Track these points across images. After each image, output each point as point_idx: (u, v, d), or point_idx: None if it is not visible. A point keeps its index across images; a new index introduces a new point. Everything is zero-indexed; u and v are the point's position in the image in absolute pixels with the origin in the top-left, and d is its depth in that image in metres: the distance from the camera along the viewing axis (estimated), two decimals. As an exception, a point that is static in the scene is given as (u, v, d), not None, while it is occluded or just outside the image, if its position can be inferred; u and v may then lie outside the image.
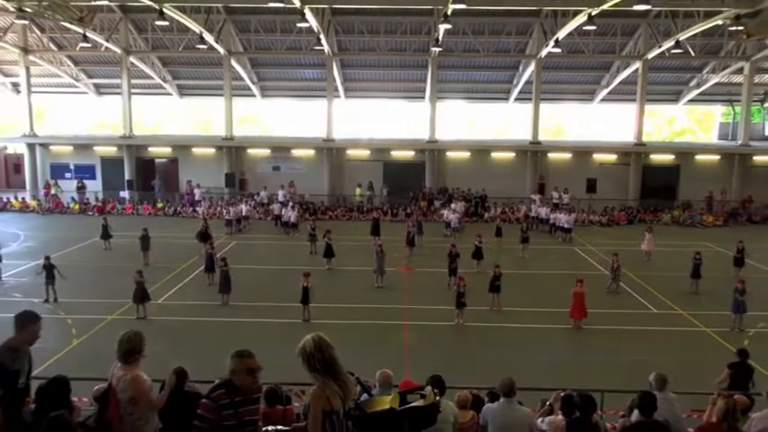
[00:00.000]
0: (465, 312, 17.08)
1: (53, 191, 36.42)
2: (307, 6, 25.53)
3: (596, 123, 56.51)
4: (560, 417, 7.40)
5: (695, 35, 31.57)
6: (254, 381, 4.77)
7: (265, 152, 37.74)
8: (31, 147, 37.73)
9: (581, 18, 26.52)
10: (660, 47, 32.99)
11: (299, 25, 28.90)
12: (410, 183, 36.31)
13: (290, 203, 32.25)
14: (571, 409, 7.08)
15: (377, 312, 17.78)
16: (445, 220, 30.28)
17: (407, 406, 5.54)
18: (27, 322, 6.05)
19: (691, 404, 9.08)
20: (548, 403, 8.31)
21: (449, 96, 42.25)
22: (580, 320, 16.84)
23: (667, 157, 37.38)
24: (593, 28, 27.17)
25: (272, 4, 21.86)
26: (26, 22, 33.37)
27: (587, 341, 16.16)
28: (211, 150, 37.66)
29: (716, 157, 36.98)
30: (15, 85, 41.66)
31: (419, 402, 5.68)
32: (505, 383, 6.94)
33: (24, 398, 5.83)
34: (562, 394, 7.91)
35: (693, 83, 40.60)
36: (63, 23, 31.81)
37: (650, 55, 34.28)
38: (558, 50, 31.69)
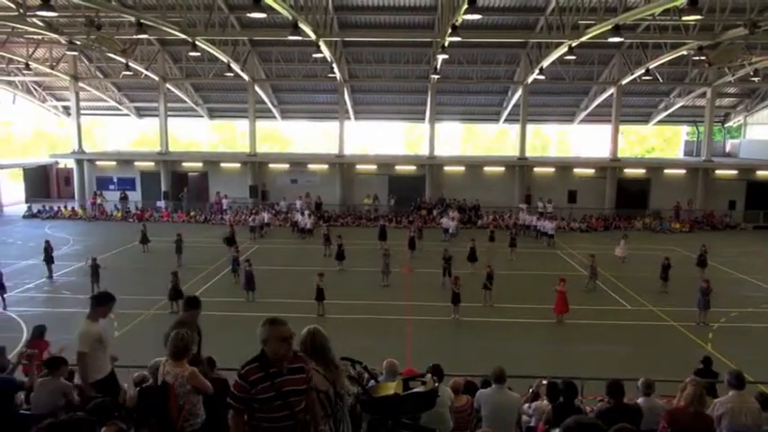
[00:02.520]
0: (460, 308, 17.03)
1: (98, 201, 36.56)
2: (321, 39, 25.63)
3: (576, 141, 56.59)
4: (546, 402, 7.36)
5: (663, 64, 31.53)
6: (289, 349, 4.13)
7: (284, 167, 37.79)
8: (79, 162, 37.90)
9: (562, 49, 26.53)
10: (632, 74, 32.98)
11: (314, 55, 28.99)
12: (412, 194, 36.30)
13: (306, 212, 32.25)
14: (555, 395, 7.03)
15: (382, 308, 17.74)
16: (443, 226, 30.23)
17: (410, 391, 5.52)
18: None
19: (661, 390, 9.00)
20: (531, 390, 8.27)
21: (446, 118, 42.29)
22: (563, 315, 16.76)
23: (639, 171, 37.24)
24: (573, 57, 27.18)
25: (290, 37, 21.91)
26: (76, 53, 33.64)
27: (569, 334, 16.08)
28: (237, 165, 37.73)
29: (682, 171, 36.84)
30: (66, 108, 41.93)
31: (420, 388, 5.65)
32: (496, 371, 6.91)
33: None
34: (544, 382, 7.87)
35: (662, 105, 40.52)
36: (108, 54, 32.05)
37: (624, 81, 34.26)
38: (543, 77, 31.70)
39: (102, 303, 6.31)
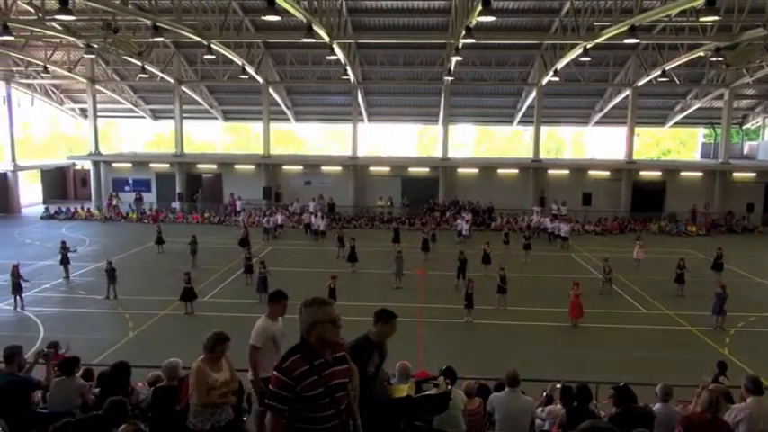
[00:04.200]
0: (473, 311, 16.96)
1: (114, 202, 36.97)
2: (335, 41, 25.72)
3: (591, 144, 56.23)
4: (559, 406, 7.30)
5: (680, 65, 31.25)
6: (338, 333, 3.65)
7: (298, 168, 37.94)
8: (95, 164, 38.37)
9: (577, 50, 26.37)
10: (648, 76, 32.69)
11: (328, 58, 29.09)
12: (425, 196, 36.26)
13: (320, 214, 32.34)
14: (569, 399, 6.98)
15: (395, 310, 17.63)
16: (457, 228, 30.16)
17: (422, 394, 5.50)
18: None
19: (677, 395, 8.90)
20: (544, 393, 8.21)
21: (460, 120, 42.26)
22: (577, 319, 16.63)
23: (655, 174, 36.88)
24: (588, 59, 26.97)
25: (304, 40, 22.00)
26: (93, 57, 34.02)
27: (583, 338, 15.94)
28: (251, 167, 37.95)
29: (699, 174, 36.40)
30: (83, 111, 42.46)
31: (433, 391, 5.64)
32: (510, 374, 6.87)
33: (372, 386, 5.15)
34: (558, 385, 7.80)
35: (678, 107, 40.09)
36: (125, 57, 32.40)
37: (639, 83, 33.97)
38: (557, 79, 31.56)
39: (275, 300, 6.33)
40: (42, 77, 37.15)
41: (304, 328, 3.54)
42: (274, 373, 3.48)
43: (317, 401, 3.45)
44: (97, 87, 38.23)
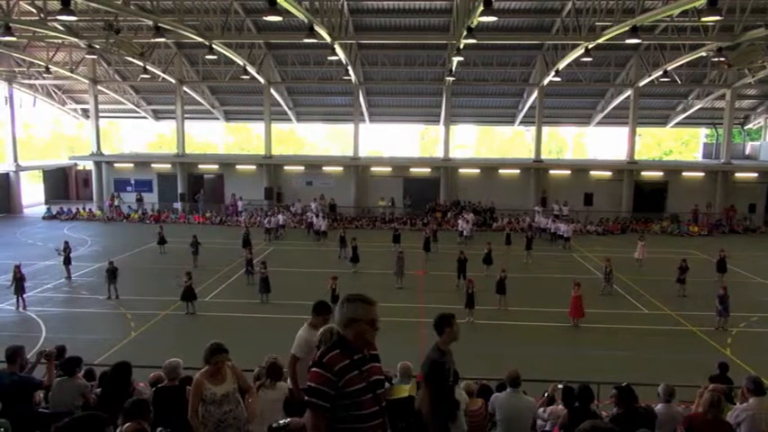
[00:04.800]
0: (475, 311, 16.95)
1: (116, 202, 37.02)
2: (336, 42, 25.73)
3: (593, 144, 56.26)
4: (561, 406, 7.30)
5: (681, 65, 31.22)
6: (375, 335, 3.49)
7: (299, 169, 37.96)
8: (97, 164, 38.40)
9: (579, 51, 26.36)
10: (650, 76, 32.66)
11: (329, 58, 29.10)
12: (426, 196, 36.23)
13: (321, 214, 32.33)
14: (571, 399, 6.97)
15: (396, 310, 17.71)
16: (458, 229, 30.15)
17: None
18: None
19: (679, 395, 8.89)
20: (546, 394, 8.20)
21: (461, 120, 42.26)
22: (578, 319, 16.62)
23: (657, 174, 36.83)
24: (590, 59, 26.94)
25: (306, 40, 22.02)
26: (95, 57, 34.14)
27: (585, 338, 15.92)
28: (253, 167, 37.97)
29: (701, 174, 36.34)
30: (85, 111, 42.53)
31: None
32: (512, 375, 6.87)
33: (452, 397, 4.97)
34: (560, 386, 7.79)
35: (680, 108, 40.04)
36: (127, 58, 32.44)
37: (641, 83, 33.94)
38: (558, 79, 31.53)
39: (319, 312, 6.09)
40: (44, 78, 37.19)
41: (342, 322, 3.40)
42: (314, 369, 3.31)
43: (360, 397, 3.31)
44: (99, 88, 38.28)
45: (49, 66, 33.19)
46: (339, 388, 3.25)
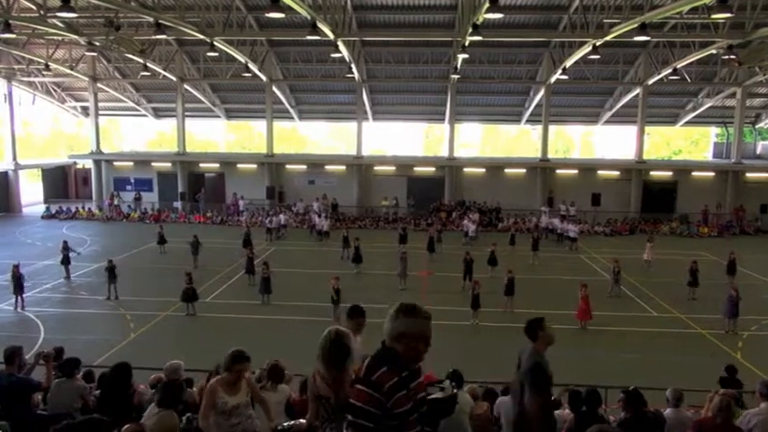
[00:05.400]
0: (480, 313, 16.93)
1: (115, 201, 37.10)
2: (339, 39, 25.73)
3: (600, 143, 56.14)
4: (568, 411, 7.27)
5: (691, 63, 31.11)
6: (425, 351, 3.26)
7: (302, 168, 37.97)
8: (97, 162, 38.49)
9: (586, 48, 26.29)
10: (659, 74, 32.55)
11: (332, 55, 29.12)
12: (431, 196, 36.20)
13: (323, 214, 32.34)
14: (578, 404, 6.95)
15: (400, 312, 17.70)
16: (463, 229, 30.12)
17: (429, 397, 5.46)
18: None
19: (688, 399, 8.86)
20: (553, 398, 8.16)
21: (466, 118, 42.21)
22: (585, 322, 16.58)
23: (666, 174, 36.71)
24: (598, 57, 26.91)
25: (309, 37, 22.04)
26: (95, 54, 34.22)
27: (592, 341, 15.89)
28: (254, 166, 38.00)
29: (711, 174, 36.20)
30: (85, 109, 42.63)
31: (439, 394, 5.60)
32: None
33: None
34: (567, 390, 7.77)
35: (689, 106, 39.89)
36: (127, 55, 32.54)
37: (650, 81, 33.82)
38: (566, 77, 31.48)
39: (353, 316, 5.81)
40: (44, 75, 37.30)
41: (393, 335, 3.15)
42: (360, 387, 3.10)
43: (407, 418, 3.12)
44: (99, 85, 38.37)
45: (49, 63, 33.31)
46: (387, 409, 3.04)
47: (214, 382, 5.34)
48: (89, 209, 36.96)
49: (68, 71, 35.67)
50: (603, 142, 55.42)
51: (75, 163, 43.65)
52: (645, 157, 36.93)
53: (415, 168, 37.47)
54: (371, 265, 23.19)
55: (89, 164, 40.10)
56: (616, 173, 36.48)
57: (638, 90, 35.07)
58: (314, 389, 4.28)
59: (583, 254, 27.32)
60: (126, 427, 4.54)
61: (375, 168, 37.38)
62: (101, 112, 39.69)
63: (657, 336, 16.31)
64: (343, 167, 37.44)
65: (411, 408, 3.14)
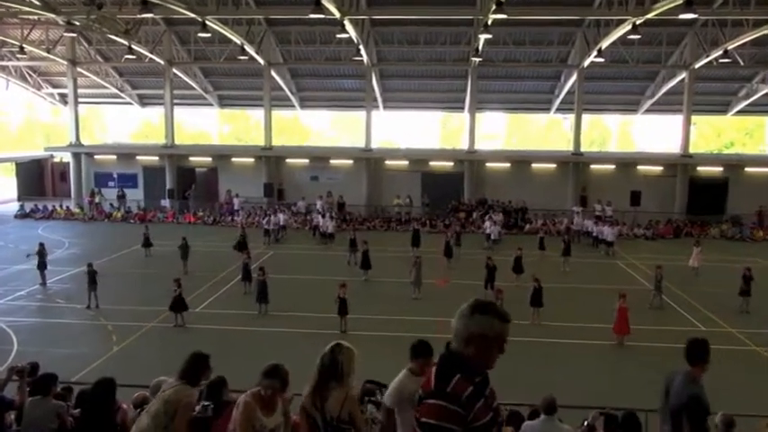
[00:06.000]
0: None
1: (97, 199, 37.38)
2: (346, 17, 25.78)
3: (641, 134, 55.77)
4: (603, 437, 7.23)
5: (744, 44, 30.87)
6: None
7: (304, 162, 38.11)
8: (76, 156, 38.84)
9: (625, 27, 26.14)
10: (707, 56, 32.32)
11: (338, 36, 29.15)
12: (448, 194, 36.17)
13: (328, 214, 32.41)
14: (614, 429, 6.91)
15: (413, 324, 17.68)
16: (485, 231, 30.06)
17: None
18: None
19: (741, 426, 8.77)
20: (586, 423, 8.12)
21: (488, 107, 42.15)
22: (623, 336, 16.48)
23: (715, 170, 36.40)
24: (638, 37, 26.74)
25: (312, 16, 22.10)
26: (75, 35, 34.48)
27: (631, 358, 15.78)
28: (250, 160, 38.19)
29: (767, 170, 35.88)
30: (63, 96, 43.04)
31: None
32: (546, 400, 6.82)
33: None
34: (602, 413, 7.72)
35: (743, 93, 39.58)
36: (110, 36, 32.78)
37: (697, 64, 33.59)
38: (601, 60, 31.30)
39: (419, 354, 5.59)
40: (18, 59, 37.69)
41: (465, 336, 3.04)
42: (433, 401, 2.96)
43: (489, 431, 3.01)
44: (78, 70, 38.72)
45: (24, 45, 33.62)
46: (468, 422, 2.91)
47: (250, 398, 5.16)
48: (67, 207, 37.28)
49: (45, 54, 36.02)
50: (644, 133, 55.06)
51: (52, 156, 44.06)
52: (691, 150, 36.67)
53: (431, 163, 37.45)
54: (381, 271, 23.18)
55: (67, 157, 40.46)
56: (658, 168, 36.25)
57: (683, 74, 34.83)
58: (304, 402, 4.37)
59: (620, 260, 27.18)
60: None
61: (386, 163, 37.40)
62: (80, 100, 40.02)
63: (705, 353, 16.15)
64: (350, 162, 37.50)
65: (491, 419, 3.02)
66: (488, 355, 3.06)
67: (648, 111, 41.31)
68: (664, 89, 37.43)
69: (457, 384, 2.94)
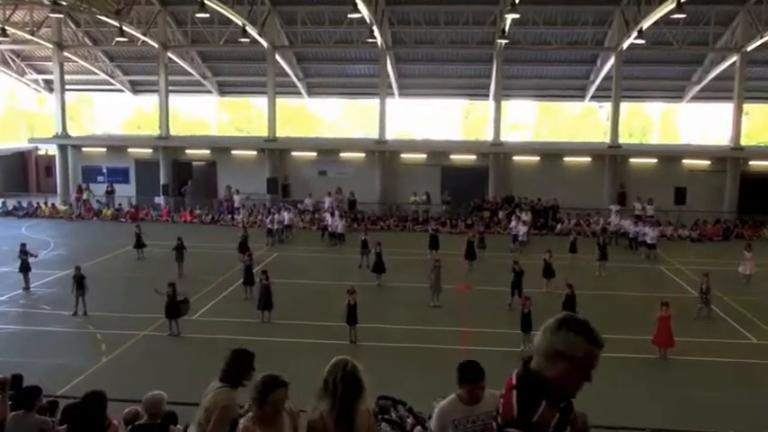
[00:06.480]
0: (532, 337, 16.79)
1: (85, 196, 37.61)
2: (359, -5, 25.81)
3: (686, 125, 55.28)
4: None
5: (804, 23, 30.53)
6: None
7: (311, 155, 38.18)
8: (62, 148, 39.15)
9: (668, 5, 25.93)
10: (761, 37, 31.95)
11: (349, 16, 29.19)
12: (471, 190, 36.11)
13: (337, 212, 32.45)
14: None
15: (432, 335, 17.66)
16: (512, 232, 29.95)
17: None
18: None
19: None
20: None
21: (516, 94, 42.03)
22: (666, 349, 16.35)
23: (770, 164, 36.07)
24: (683, 16, 26.54)
25: (320, -7, 22.17)
26: (61, 16, 34.76)
27: (674, 374, 15.65)
28: (252, 153, 38.33)
29: (830, 164, 35.50)
30: (48, 83, 43.41)
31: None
32: (581, 420, 6.77)
33: None
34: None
35: (802, 78, 39.16)
36: (99, 17, 32.98)
37: (750, 47, 33.24)
38: (642, 42, 31.09)
39: (467, 378, 5.28)
40: (-1, 42, 38.13)
41: (548, 352, 2.98)
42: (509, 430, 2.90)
43: None
44: (65, 54, 39.03)
45: (5, 27, 33.94)
46: None
47: (248, 422, 4.98)
48: (53, 204, 37.58)
49: (29, 37, 36.33)
50: (690, 124, 54.60)
51: (36, 148, 44.45)
52: (743, 142, 36.32)
53: (452, 156, 37.39)
54: (396, 275, 23.18)
55: (53, 150, 40.78)
56: (706, 162, 35.95)
57: (734, 58, 34.50)
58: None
59: (663, 264, 26.99)
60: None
61: (402, 156, 37.39)
62: (67, 87, 40.38)
63: (758, 369, 15.99)
64: (363, 155, 37.52)
65: None
66: (572, 380, 2.95)
67: (695, 98, 40.95)
68: (712, 74, 37.07)
69: (544, 413, 2.84)
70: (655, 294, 20.16)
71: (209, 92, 44.49)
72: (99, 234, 31.86)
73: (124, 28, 32.17)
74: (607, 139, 36.49)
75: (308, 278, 23.85)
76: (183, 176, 38.38)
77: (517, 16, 27.28)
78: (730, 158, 35.22)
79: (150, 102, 47.14)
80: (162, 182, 37.69)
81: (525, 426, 2.84)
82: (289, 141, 39.64)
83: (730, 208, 34.86)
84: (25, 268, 21.67)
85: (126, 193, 38.30)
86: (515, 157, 36.95)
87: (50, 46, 38.27)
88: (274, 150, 37.41)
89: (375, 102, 38.35)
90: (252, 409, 4.92)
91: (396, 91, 41.15)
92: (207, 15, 29.65)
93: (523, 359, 3.07)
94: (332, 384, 4.43)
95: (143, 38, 35.42)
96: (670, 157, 36.52)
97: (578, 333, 2.97)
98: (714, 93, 39.20)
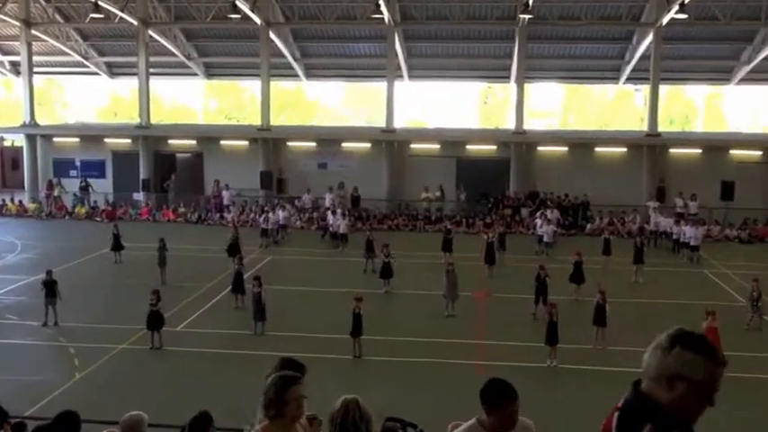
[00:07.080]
0: (558, 350, 16.77)
1: (56, 192, 37.66)
2: (363, -35, 25.84)
3: (734, 110, 55.07)
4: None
5: None
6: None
7: (310, 146, 38.20)
8: (31, 138, 39.21)
9: (714, -26, 25.86)
10: (821, 10, 31.86)
11: (353, -12, 29.20)
12: (490, 185, 36.09)
13: (339, 210, 32.46)
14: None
15: (446, 348, 17.64)
16: (537, 232, 29.90)
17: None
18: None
19: None
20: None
21: (541, 75, 41.90)
22: (711, 365, 16.29)
23: (830, 154, 35.96)
24: (731, -13, 26.45)
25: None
26: (29, -10, 34.87)
27: (726, 392, 15.56)
28: (244, 143, 38.38)
29: None
30: (15, 65, 43.58)
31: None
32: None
33: None
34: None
35: None
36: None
37: (807, 21, 33.17)
38: (684, 16, 30.97)
39: (492, 401, 4.68)
40: (-40, 19, 38.26)
41: (662, 373, 2.94)
42: None
43: None
44: (34, 33, 39.11)
45: (-33, 2, 34.07)
46: None
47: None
48: (20, 202, 37.71)
49: (-7, 13, 36.44)
50: (739, 109, 54.41)
51: (1, 139, 44.60)
52: (799, 130, 36.19)
53: (469, 147, 37.36)
54: (406, 281, 23.20)
55: (20, 140, 40.92)
56: (757, 153, 35.83)
57: (789, 34, 34.39)
58: None
59: (708, 268, 26.91)
60: None
61: (412, 147, 37.38)
62: (36, 69, 40.50)
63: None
64: (368, 146, 37.53)
65: None
66: (690, 404, 2.89)
67: (744, 80, 40.77)
68: (763, 53, 36.91)
69: None
70: (699, 302, 20.09)
71: (195, 74, 44.52)
72: (72, 235, 31.92)
73: (99, 3, 32.21)
74: (644, 127, 36.39)
75: (307, 284, 23.83)
76: (165, 170, 38.43)
77: (542, -12, 27.29)
78: (785, 148, 35.17)
79: (129, 86, 47.24)
80: (142, 176, 37.71)
81: None
82: (284, 130, 39.70)
83: (785, 205, 34.82)
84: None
85: (102, 188, 38.33)
86: (540, 148, 36.88)
87: (17, 23, 38.32)
88: (268, 140, 37.42)
89: (381, 85, 38.33)
90: (268, 416, 4.60)
91: (405, 73, 41.12)
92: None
93: (634, 381, 3.06)
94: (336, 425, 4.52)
95: (120, 14, 35.41)
96: (716, 146, 36.37)
97: (695, 351, 2.88)
98: (766, 74, 39.02)
